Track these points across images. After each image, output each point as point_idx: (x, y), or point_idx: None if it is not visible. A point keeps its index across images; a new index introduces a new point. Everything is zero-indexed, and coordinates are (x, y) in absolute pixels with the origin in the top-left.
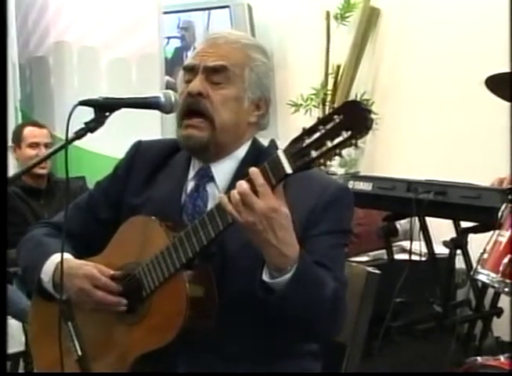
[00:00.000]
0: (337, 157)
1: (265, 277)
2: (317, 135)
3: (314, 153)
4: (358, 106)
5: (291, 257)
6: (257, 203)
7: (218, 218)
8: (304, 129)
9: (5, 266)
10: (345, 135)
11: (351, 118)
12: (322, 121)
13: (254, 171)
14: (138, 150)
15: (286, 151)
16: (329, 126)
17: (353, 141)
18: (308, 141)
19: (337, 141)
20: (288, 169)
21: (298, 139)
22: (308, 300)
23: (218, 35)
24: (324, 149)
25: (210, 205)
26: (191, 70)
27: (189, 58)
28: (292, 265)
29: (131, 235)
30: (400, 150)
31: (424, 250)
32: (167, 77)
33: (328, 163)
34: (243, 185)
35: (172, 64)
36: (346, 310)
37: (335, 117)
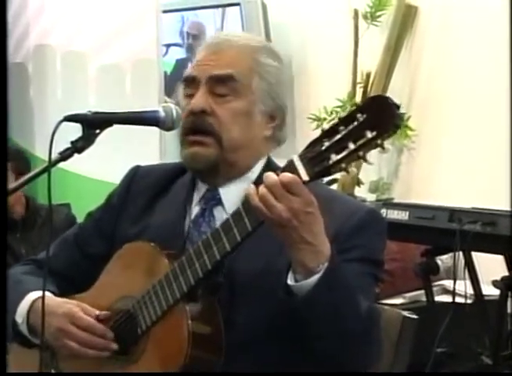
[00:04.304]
0: (366, 181)
1: (290, 282)
2: (338, 136)
3: (334, 157)
4: (385, 102)
5: (325, 253)
6: (291, 196)
7: (225, 239)
8: (323, 130)
9: (5, 266)
10: (370, 135)
11: (377, 116)
12: (343, 121)
13: (269, 174)
14: (136, 175)
15: (302, 156)
16: (351, 126)
17: (378, 142)
18: (327, 144)
19: (360, 142)
20: (304, 176)
21: (316, 142)
22: (338, 305)
23: (219, 39)
24: (346, 152)
25: None
26: (191, 83)
27: (189, 68)
28: (323, 263)
29: (125, 264)
30: (441, 172)
31: (470, 291)
32: (166, 99)
33: (356, 189)
34: (270, 176)
35: (172, 80)
36: (380, 341)
37: (358, 115)
